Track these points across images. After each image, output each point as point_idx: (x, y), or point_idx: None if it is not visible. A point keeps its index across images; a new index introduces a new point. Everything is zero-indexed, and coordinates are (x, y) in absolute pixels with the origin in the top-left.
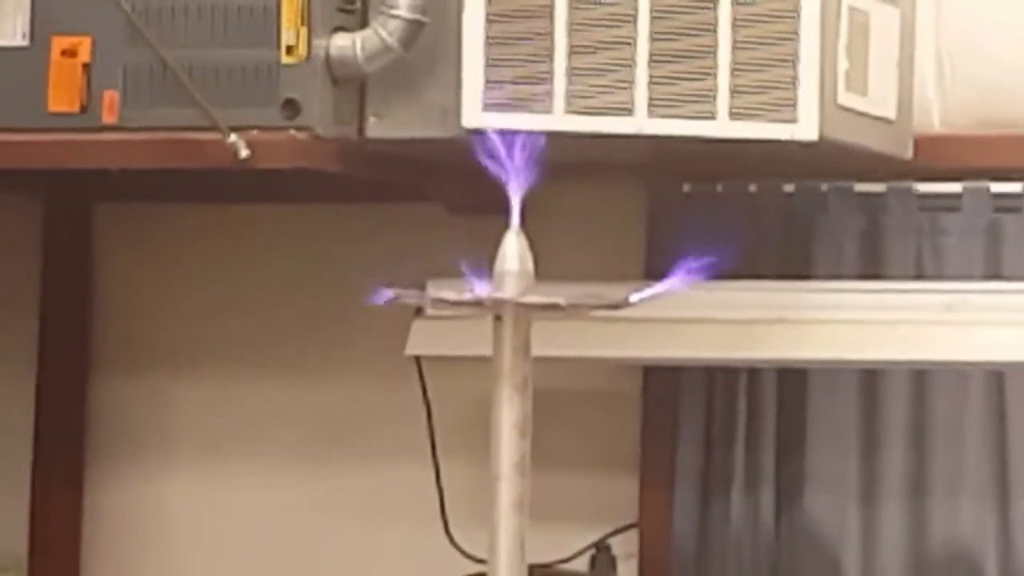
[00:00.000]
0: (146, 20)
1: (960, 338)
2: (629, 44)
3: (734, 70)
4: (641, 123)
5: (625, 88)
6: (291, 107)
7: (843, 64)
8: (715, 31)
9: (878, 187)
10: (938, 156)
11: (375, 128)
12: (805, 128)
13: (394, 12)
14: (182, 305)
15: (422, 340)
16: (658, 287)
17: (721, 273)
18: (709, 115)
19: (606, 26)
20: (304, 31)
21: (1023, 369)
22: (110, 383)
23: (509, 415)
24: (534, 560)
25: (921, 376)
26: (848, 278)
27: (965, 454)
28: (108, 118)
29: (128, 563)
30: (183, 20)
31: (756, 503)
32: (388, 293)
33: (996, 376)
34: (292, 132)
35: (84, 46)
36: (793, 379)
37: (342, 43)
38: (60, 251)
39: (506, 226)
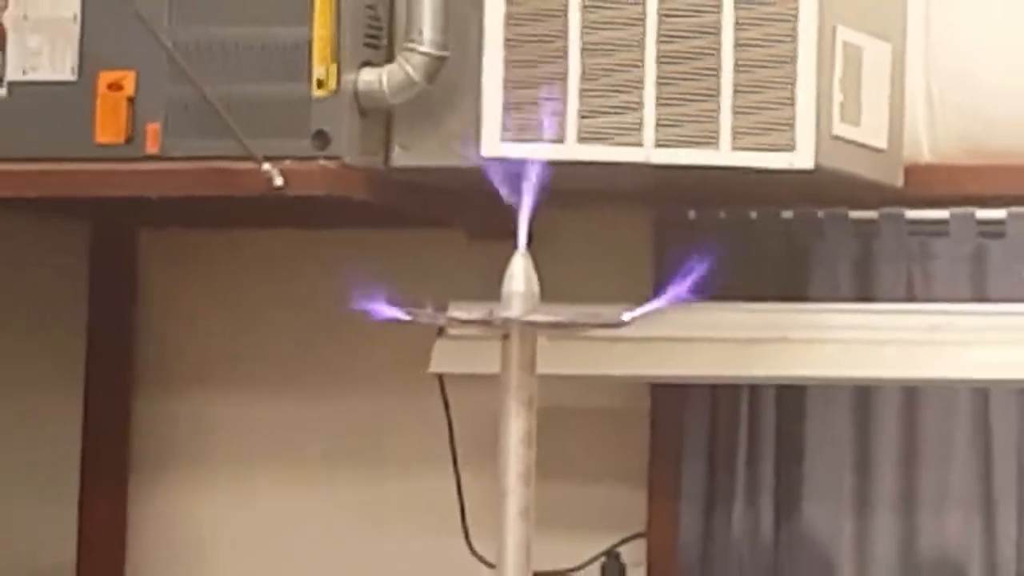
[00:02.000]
0: (187, 56)
1: (947, 357)
2: (638, 83)
3: (736, 104)
4: (649, 153)
5: (634, 120)
6: (322, 138)
7: (838, 97)
8: (719, 70)
9: (870, 213)
10: (927, 184)
11: (400, 157)
12: (802, 157)
13: (418, 48)
14: (219, 324)
15: (444, 358)
16: (648, 306)
17: (723, 295)
18: (713, 145)
19: (617, 67)
20: (334, 67)
21: (1007, 386)
22: (153, 399)
23: (516, 429)
24: (549, 568)
25: (911, 393)
26: (842, 300)
27: (953, 468)
28: (151, 149)
29: (169, 571)
30: (221, 56)
31: (756, 514)
32: (405, 313)
33: (982, 393)
34: (322, 162)
35: (129, 80)
36: (791, 396)
37: (369, 77)
38: (106, 274)
39: None
